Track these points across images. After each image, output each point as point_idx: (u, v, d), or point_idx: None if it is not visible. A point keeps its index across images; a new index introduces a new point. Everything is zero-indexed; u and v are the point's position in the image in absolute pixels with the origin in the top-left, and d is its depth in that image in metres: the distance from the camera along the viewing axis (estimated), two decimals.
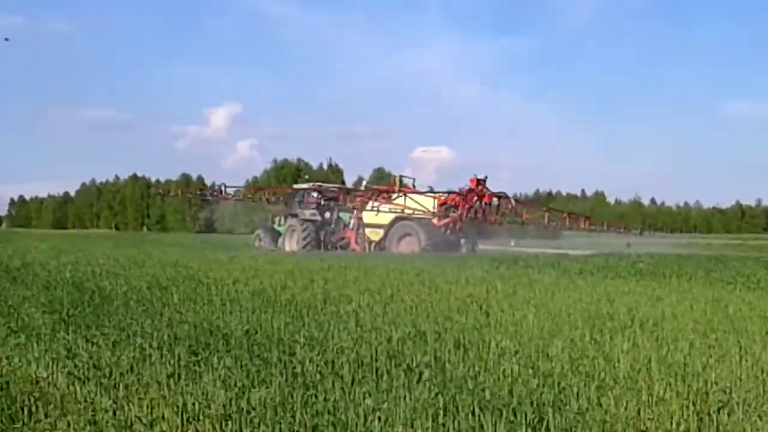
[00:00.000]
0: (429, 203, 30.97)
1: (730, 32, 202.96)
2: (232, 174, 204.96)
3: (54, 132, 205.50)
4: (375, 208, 32.03)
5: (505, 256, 26.14)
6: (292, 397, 5.26)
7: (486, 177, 31.94)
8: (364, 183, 36.00)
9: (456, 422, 4.75)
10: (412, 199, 31.20)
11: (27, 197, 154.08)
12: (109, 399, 5.41)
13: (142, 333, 7.62)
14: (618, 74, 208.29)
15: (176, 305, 10.06)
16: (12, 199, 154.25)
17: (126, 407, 5.24)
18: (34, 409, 5.38)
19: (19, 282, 12.42)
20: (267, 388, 5.49)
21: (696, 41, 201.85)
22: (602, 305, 10.61)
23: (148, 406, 5.24)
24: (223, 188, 41.16)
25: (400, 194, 31.96)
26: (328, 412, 4.94)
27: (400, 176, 35.23)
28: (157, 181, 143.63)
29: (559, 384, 5.75)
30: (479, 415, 4.84)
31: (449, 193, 32.05)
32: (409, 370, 6.21)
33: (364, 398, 5.19)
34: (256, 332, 7.91)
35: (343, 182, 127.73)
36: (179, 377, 5.93)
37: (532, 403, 5.17)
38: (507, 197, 33.31)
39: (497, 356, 6.85)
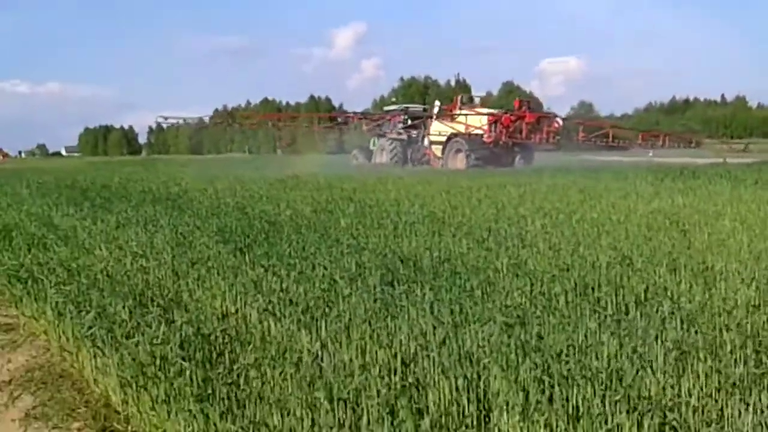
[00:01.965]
0: (482, 121, 33.05)
1: None
2: (358, 94, 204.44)
3: (184, 59, 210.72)
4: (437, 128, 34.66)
5: (665, 168, 24.74)
6: (510, 337, 4.59)
7: (529, 100, 37.44)
8: (437, 105, 36.86)
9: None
10: (464, 118, 33.68)
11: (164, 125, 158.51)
12: (311, 338, 4.91)
13: (326, 262, 7.13)
14: None
15: (349, 230, 9.62)
16: (150, 128, 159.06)
17: (332, 348, 4.75)
18: (231, 348, 4.97)
19: (186, 210, 12.20)
20: (482, 325, 4.86)
21: None
22: None
23: (358, 347, 4.72)
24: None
25: (463, 113, 34.16)
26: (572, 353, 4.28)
27: (461, 95, 37.35)
28: (287, 103, 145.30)
29: None
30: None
31: (504, 111, 34.11)
32: (640, 303, 5.49)
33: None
34: (449, 259, 7.30)
35: (471, 98, 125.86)
36: (384, 313, 5.39)
37: None
38: (554, 117, 35.60)
39: (729, 282, 6.02)
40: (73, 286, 6.70)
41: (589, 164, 31.88)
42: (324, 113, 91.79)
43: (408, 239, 8.69)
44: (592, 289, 5.89)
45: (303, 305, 5.74)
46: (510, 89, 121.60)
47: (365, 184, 18.15)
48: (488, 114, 33.58)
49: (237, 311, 5.92)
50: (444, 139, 33.71)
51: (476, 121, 33.23)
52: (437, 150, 34.16)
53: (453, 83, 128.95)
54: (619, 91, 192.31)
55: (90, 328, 5.23)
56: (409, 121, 36.56)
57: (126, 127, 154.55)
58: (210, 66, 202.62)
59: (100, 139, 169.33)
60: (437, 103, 38.03)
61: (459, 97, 36.70)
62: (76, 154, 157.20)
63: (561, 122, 35.54)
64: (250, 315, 5.69)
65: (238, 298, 6.09)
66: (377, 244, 8.43)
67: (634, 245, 7.91)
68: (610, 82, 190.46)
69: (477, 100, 38.01)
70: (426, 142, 35.32)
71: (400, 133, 36.17)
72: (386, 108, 41.79)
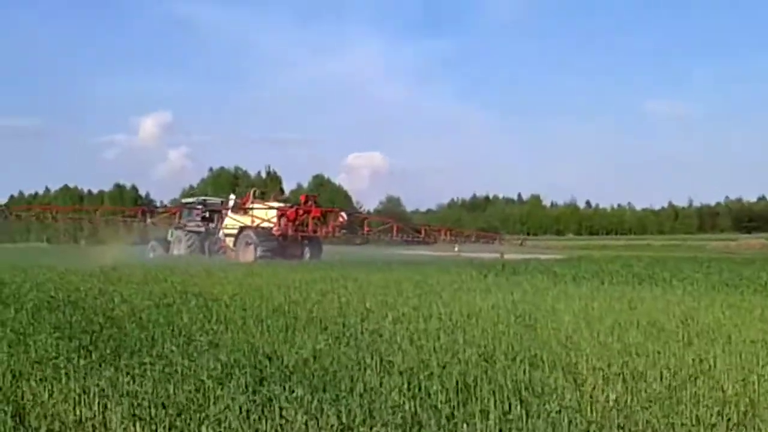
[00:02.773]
0: (271, 215, 34.61)
1: (653, 30, 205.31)
2: (164, 184, 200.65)
3: None
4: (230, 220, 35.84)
5: (478, 262, 25.71)
6: None
7: (316, 195, 40.52)
8: (232, 198, 38.30)
9: None
10: (256, 212, 35.34)
11: None
12: None
13: (184, 361, 6.73)
14: (544, 73, 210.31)
15: (194, 325, 9.21)
16: None
17: None
18: None
19: (11, 303, 11.24)
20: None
21: (619, 38, 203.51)
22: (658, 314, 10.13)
23: None
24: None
25: (255, 206, 35.88)
26: None
27: (254, 190, 39.18)
28: (89, 191, 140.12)
29: None
30: None
31: (290, 206, 36.19)
32: (525, 402, 5.52)
33: None
34: (315, 356, 7.09)
35: (282, 190, 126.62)
36: (265, 415, 5.14)
37: None
38: (338, 212, 38.36)
39: (596, 379, 6.20)
40: None
41: (401, 258, 33.41)
42: (126, 205, 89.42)
43: (264, 335, 8.42)
44: (473, 386, 5.86)
45: (173, 408, 5.36)
46: (320, 182, 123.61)
47: (193, 276, 17.61)
48: (277, 208, 35.21)
49: (95, 416, 5.43)
50: (236, 231, 34.80)
51: (265, 215, 34.71)
52: (230, 242, 35.03)
53: (264, 174, 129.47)
54: (422, 185, 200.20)
55: None
56: (207, 214, 37.81)
57: None
58: (4, 149, 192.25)
59: None
60: (232, 196, 39.04)
61: (252, 191, 38.18)
62: None
63: (346, 216, 37.55)
64: (111, 421, 5.24)
65: (97, 402, 5.60)
66: (232, 340, 8.09)
67: (493, 341, 8.02)
68: (413, 176, 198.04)
69: (275, 195, 41.34)
70: (221, 234, 36.06)
71: (198, 225, 37.27)
72: (184, 200, 43.29)
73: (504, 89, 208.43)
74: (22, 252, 52.58)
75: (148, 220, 39.57)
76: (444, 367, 6.39)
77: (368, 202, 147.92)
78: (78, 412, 5.51)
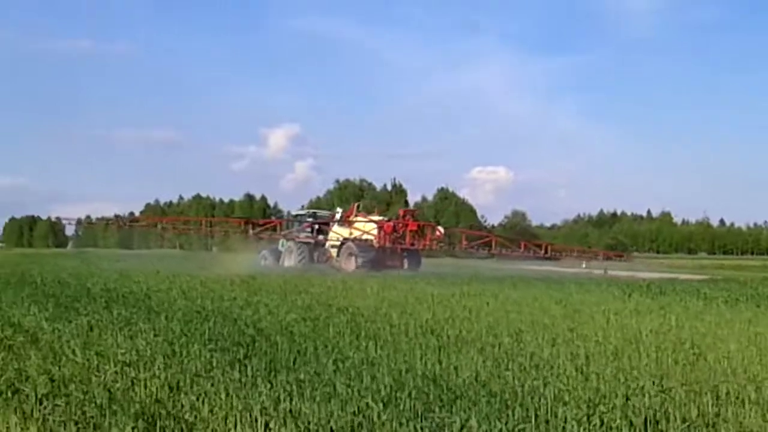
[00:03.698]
0: (371, 227, 36.26)
1: None
2: (291, 194, 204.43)
3: (116, 152, 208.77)
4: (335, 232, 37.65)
5: (620, 281, 24.78)
6: None
7: (415, 210, 44.37)
8: (339, 211, 40.38)
9: None
10: (359, 224, 36.93)
11: (93, 218, 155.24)
12: None
13: (349, 383, 6.46)
14: (677, 89, 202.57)
15: (342, 341, 8.99)
16: (79, 220, 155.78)
17: None
18: None
19: (160, 312, 11.34)
20: None
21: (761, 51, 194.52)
22: None
23: None
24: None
25: (357, 219, 37.47)
26: None
27: (358, 204, 40.98)
28: (220, 200, 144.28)
29: None
30: None
31: (389, 220, 37.99)
32: None
33: None
34: (477, 380, 6.71)
35: (406, 202, 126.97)
36: None
37: None
38: (435, 226, 39.98)
39: None
40: (62, 400, 5.94)
41: (531, 273, 32.90)
42: (255, 214, 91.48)
43: (417, 355, 8.10)
44: (663, 420, 5.38)
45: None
46: (445, 195, 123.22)
47: (330, 288, 17.58)
48: (376, 221, 36.68)
49: None
50: (339, 243, 36.28)
51: (367, 228, 36.16)
52: (334, 252, 36.43)
53: (389, 187, 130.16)
54: (547, 201, 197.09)
55: None
56: (317, 226, 38.98)
57: (53, 218, 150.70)
58: (141, 159, 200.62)
59: (26, 230, 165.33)
60: (339, 209, 40.99)
61: (355, 205, 40.02)
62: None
63: (443, 230, 39.38)
64: None
65: (261, 421, 5.41)
66: (386, 359, 7.81)
67: (664, 369, 7.45)
68: (538, 191, 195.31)
69: (378, 209, 42.98)
70: (328, 245, 37.41)
71: (308, 237, 38.21)
72: (294, 212, 45.29)
73: (633, 106, 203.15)
74: (160, 258, 54.28)
75: (250, 232, 40.81)
76: (627, 399, 5.89)
77: (493, 216, 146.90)
78: (241, 431, 5.34)
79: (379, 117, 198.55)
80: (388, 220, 37.51)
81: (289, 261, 37.07)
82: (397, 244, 35.82)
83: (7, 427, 5.89)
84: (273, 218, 48.59)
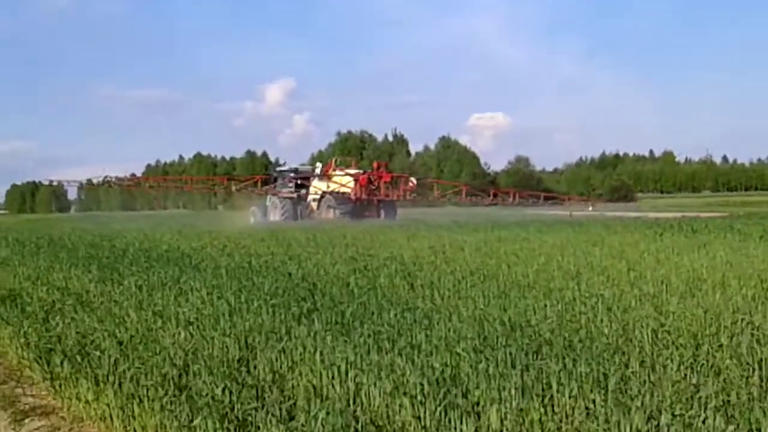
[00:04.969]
0: (349, 180, 38.21)
1: None
2: (292, 149, 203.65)
3: (111, 114, 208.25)
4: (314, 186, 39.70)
5: (643, 221, 24.56)
6: None
7: (387, 162, 49.14)
8: (318, 166, 42.18)
9: None
10: (336, 178, 38.89)
11: (94, 181, 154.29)
12: None
13: (428, 334, 6.20)
14: (675, 28, 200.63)
15: (406, 292, 8.75)
16: (81, 183, 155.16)
17: None
18: None
19: (205, 270, 11.08)
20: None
21: None
22: None
23: None
24: None
25: (335, 173, 39.46)
26: None
27: (336, 159, 43.98)
28: (222, 158, 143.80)
29: None
30: None
31: (364, 172, 39.88)
32: None
33: None
34: (578, 329, 6.45)
35: (408, 153, 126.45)
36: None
37: None
38: (408, 177, 42.18)
39: None
40: (135, 363, 5.72)
41: (546, 218, 32.69)
42: (257, 171, 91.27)
43: (480, 301, 7.86)
44: None
45: (443, 384, 4.86)
46: (447, 144, 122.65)
47: (358, 240, 17.37)
48: (352, 175, 38.72)
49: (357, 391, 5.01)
50: (319, 196, 38.50)
51: (344, 181, 38.23)
52: (315, 205, 38.66)
53: (390, 137, 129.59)
54: (548, 145, 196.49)
55: None
56: (300, 181, 40.93)
57: (54, 183, 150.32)
58: (138, 120, 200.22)
59: (28, 196, 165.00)
60: (318, 164, 43.03)
61: (333, 160, 42.39)
62: (2, 212, 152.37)
63: (415, 181, 41.24)
64: (375, 398, 4.81)
65: (350, 375, 5.18)
66: (452, 307, 7.58)
67: (747, 307, 7.19)
68: (538, 136, 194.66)
69: (355, 163, 44.40)
70: (309, 199, 39.54)
71: (291, 192, 40.20)
72: (279, 169, 46.30)
73: (633, 45, 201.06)
74: (168, 218, 54.14)
75: (233, 188, 44.22)
76: (732, 338, 5.65)
77: (496, 162, 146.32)
78: (337, 388, 5.11)
79: (374, 68, 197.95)
80: (363, 173, 39.45)
81: (274, 216, 38.98)
82: (373, 196, 38.10)
83: (77, 394, 5.71)
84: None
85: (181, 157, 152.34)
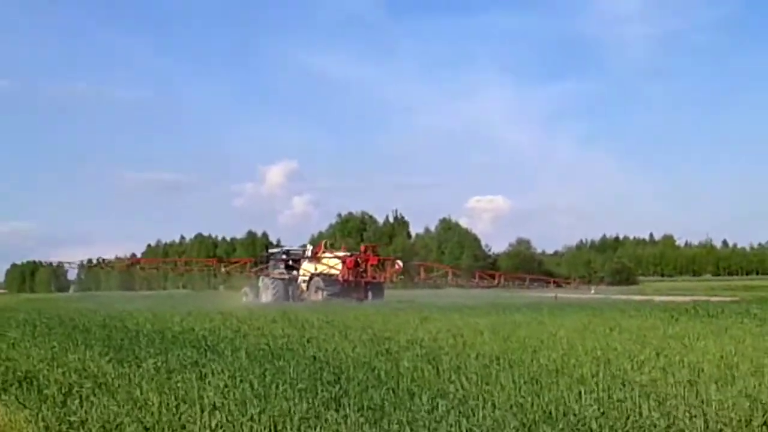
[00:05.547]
0: (336, 263, 39.40)
1: None
2: (292, 230, 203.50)
3: (113, 194, 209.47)
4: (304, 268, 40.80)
5: (653, 305, 24.38)
6: None
7: (376, 245, 47.94)
8: (309, 248, 43.27)
9: None
10: (325, 260, 40.10)
11: (94, 260, 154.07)
12: None
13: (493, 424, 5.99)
14: (674, 114, 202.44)
15: (415, 374, 8.55)
16: (81, 263, 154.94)
17: None
18: None
19: (223, 353, 10.82)
20: None
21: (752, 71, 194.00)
22: None
23: None
24: None
25: (324, 255, 40.65)
26: None
27: (326, 241, 45.33)
28: (223, 239, 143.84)
29: None
30: None
31: (351, 255, 40.50)
32: None
33: None
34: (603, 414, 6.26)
35: (408, 234, 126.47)
36: None
37: None
38: (395, 260, 43.34)
39: None
40: None
41: (545, 301, 32.65)
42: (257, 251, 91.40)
43: (508, 389, 7.64)
44: None
45: None
46: (448, 226, 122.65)
47: (370, 316, 17.17)
48: (341, 257, 39.79)
49: None
50: (308, 278, 39.38)
51: (332, 263, 39.34)
52: (304, 287, 39.48)
53: (391, 219, 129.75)
54: (548, 227, 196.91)
55: None
56: (291, 262, 41.98)
57: (55, 263, 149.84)
58: (141, 201, 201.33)
59: (27, 276, 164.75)
60: (309, 246, 44.28)
61: (323, 242, 43.89)
62: (1, 291, 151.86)
63: (401, 264, 42.01)
64: None
65: None
66: (484, 393, 7.37)
67: None
68: (537, 218, 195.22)
69: (344, 246, 46.31)
70: (300, 280, 40.36)
71: (281, 273, 41.08)
72: (271, 250, 47.86)
73: (634, 132, 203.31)
74: (169, 298, 53.88)
75: (222, 269, 46.26)
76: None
77: (496, 244, 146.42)
78: None
79: (376, 151, 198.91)
80: (350, 256, 40.22)
81: (266, 297, 39.54)
82: (360, 278, 38.74)
83: None
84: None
85: (182, 237, 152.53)
